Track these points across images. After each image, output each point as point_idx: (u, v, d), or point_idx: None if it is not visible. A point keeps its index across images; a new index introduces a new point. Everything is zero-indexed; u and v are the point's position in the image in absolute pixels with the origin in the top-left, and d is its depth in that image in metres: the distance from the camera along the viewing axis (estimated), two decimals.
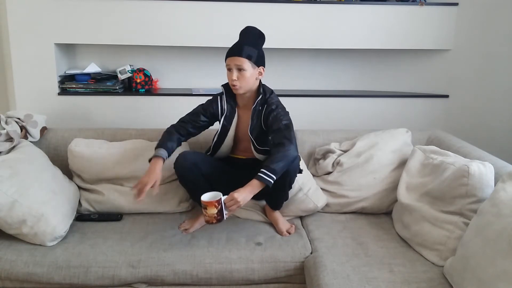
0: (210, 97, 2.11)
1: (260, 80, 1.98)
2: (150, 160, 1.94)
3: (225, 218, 1.70)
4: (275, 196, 1.96)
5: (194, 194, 1.98)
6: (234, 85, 1.89)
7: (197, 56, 2.86)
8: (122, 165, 2.13)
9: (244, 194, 1.67)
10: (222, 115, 2.02)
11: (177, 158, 1.92)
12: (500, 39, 2.78)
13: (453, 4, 2.73)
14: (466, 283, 1.42)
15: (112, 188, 2.13)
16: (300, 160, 1.94)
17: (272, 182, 1.69)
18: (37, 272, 1.71)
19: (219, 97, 2.05)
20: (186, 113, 2.03)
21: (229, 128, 2.01)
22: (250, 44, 1.89)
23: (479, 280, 1.37)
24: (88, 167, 2.12)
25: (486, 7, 2.75)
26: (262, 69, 1.94)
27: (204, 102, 2.09)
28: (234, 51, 1.87)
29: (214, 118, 2.05)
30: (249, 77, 1.88)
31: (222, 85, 2.03)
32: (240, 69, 1.86)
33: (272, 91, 1.99)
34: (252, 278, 1.79)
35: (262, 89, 1.96)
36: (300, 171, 2.00)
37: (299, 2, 2.64)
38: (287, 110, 1.96)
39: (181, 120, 2.04)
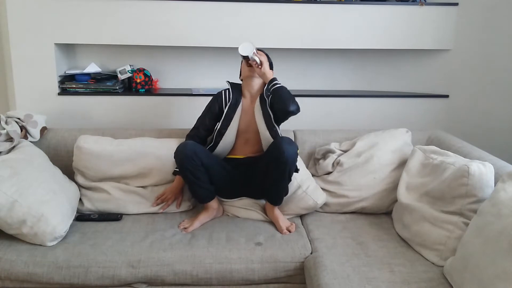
0: (210, 97, 2.13)
1: None
2: (174, 173, 2.11)
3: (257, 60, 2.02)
4: (275, 188, 1.97)
5: (192, 186, 2.00)
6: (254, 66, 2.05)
7: (197, 56, 2.86)
8: (130, 162, 2.13)
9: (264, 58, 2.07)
10: (226, 105, 2.09)
11: (178, 147, 1.94)
12: (500, 39, 2.78)
13: (453, 4, 2.73)
14: (466, 283, 1.43)
15: (116, 187, 2.13)
16: (297, 157, 1.96)
17: (275, 82, 2.02)
18: (37, 272, 1.72)
19: (223, 91, 2.16)
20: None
21: (233, 117, 2.04)
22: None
23: (479, 280, 1.37)
24: (95, 164, 2.12)
25: (486, 7, 2.75)
26: (272, 72, 2.15)
27: (204, 102, 2.11)
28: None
29: (221, 113, 2.10)
30: (265, 68, 2.06)
31: (228, 81, 2.18)
32: (260, 61, 2.06)
33: None
34: (252, 278, 1.79)
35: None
36: (297, 170, 2.01)
37: (299, 2, 2.64)
38: None
39: (194, 127, 2.17)
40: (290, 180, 1.98)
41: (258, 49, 2.18)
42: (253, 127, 2.09)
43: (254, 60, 2.01)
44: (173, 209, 2.15)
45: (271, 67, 2.17)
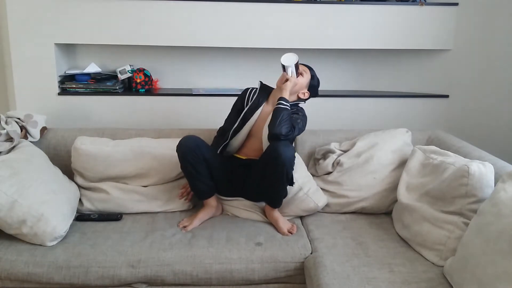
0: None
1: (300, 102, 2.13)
2: None
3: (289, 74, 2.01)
4: (273, 191, 1.96)
5: (192, 180, 2.00)
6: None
7: (197, 56, 2.86)
8: (128, 163, 2.13)
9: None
10: (248, 104, 2.08)
11: (181, 140, 1.95)
12: (500, 39, 2.78)
13: (453, 4, 2.73)
14: (466, 283, 1.43)
15: (115, 186, 2.14)
16: (294, 160, 1.94)
17: (280, 102, 1.94)
18: (37, 272, 1.72)
19: (250, 89, 2.14)
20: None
21: (249, 119, 2.06)
22: (317, 79, 2.19)
23: (479, 280, 1.37)
24: (93, 165, 2.12)
25: (486, 7, 2.75)
26: (308, 94, 2.14)
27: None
28: (306, 65, 2.16)
29: (243, 110, 2.12)
30: (299, 83, 2.06)
31: (260, 81, 2.17)
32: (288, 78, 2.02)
33: (304, 111, 2.11)
34: (252, 278, 1.79)
35: (299, 102, 2.12)
36: (291, 184, 2.00)
37: (299, 2, 2.63)
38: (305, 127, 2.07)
39: (225, 120, 2.17)
40: (288, 181, 1.95)
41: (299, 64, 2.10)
42: (259, 135, 2.07)
43: (290, 72, 2.00)
44: (173, 208, 2.15)
45: (312, 91, 2.15)
